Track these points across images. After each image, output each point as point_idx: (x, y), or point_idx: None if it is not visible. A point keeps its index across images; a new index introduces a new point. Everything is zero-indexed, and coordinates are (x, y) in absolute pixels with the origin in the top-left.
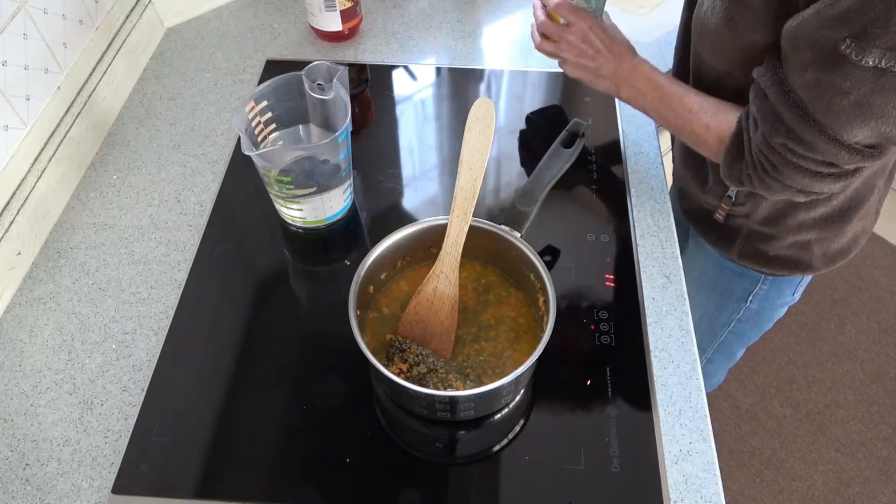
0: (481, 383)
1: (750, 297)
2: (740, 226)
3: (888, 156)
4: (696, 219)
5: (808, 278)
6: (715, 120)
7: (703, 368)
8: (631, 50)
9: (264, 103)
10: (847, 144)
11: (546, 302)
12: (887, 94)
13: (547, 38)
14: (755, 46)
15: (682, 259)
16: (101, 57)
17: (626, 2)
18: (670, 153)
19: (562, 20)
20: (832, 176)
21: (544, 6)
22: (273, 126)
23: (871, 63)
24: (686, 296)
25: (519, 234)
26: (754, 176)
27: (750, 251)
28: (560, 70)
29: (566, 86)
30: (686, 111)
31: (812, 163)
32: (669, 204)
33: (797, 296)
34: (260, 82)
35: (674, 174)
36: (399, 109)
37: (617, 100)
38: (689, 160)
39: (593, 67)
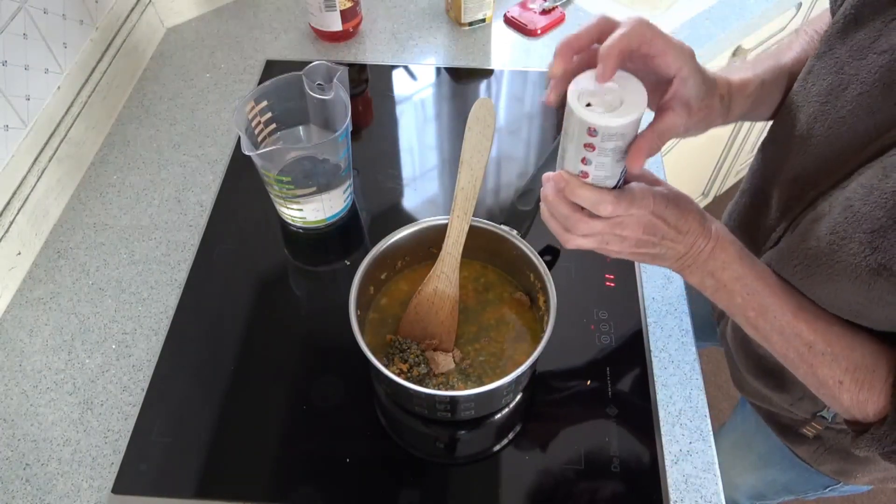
0: (481, 383)
1: (829, 489)
2: (824, 437)
3: None
4: (763, 412)
5: None
6: (852, 378)
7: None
8: (703, 220)
9: (264, 103)
10: None
11: (546, 302)
12: None
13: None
14: None
15: (740, 414)
16: (101, 57)
17: (640, 3)
18: (669, 154)
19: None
20: None
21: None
22: (273, 126)
23: None
24: (685, 296)
25: (519, 234)
26: None
27: (829, 464)
28: None
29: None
30: (802, 344)
31: None
32: None
33: None
34: (260, 82)
35: (729, 355)
36: (399, 109)
37: None
38: (758, 366)
39: (655, 254)
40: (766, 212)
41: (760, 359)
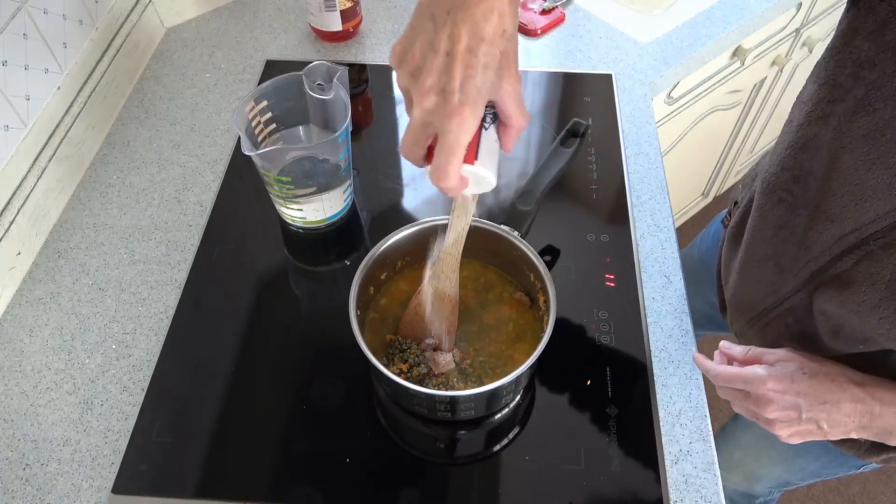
0: (482, 383)
1: (862, 467)
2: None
3: None
4: None
5: None
6: None
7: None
8: (860, 382)
9: (264, 103)
10: None
11: (546, 302)
12: None
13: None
14: None
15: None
16: (101, 57)
17: (640, 3)
18: (670, 154)
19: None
20: None
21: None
22: (273, 126)
23: None
24: (685, 296)
25: (519, 234)
26: None
27: (877, 455)
28: (560, 70)
29: (566, 85)
30: None
31: None
32: (669, 204)
33: None
34: (260, 82)
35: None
36: (399, 109)
37: (617, 99)
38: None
39: (808, 430)
40: (795, 244)
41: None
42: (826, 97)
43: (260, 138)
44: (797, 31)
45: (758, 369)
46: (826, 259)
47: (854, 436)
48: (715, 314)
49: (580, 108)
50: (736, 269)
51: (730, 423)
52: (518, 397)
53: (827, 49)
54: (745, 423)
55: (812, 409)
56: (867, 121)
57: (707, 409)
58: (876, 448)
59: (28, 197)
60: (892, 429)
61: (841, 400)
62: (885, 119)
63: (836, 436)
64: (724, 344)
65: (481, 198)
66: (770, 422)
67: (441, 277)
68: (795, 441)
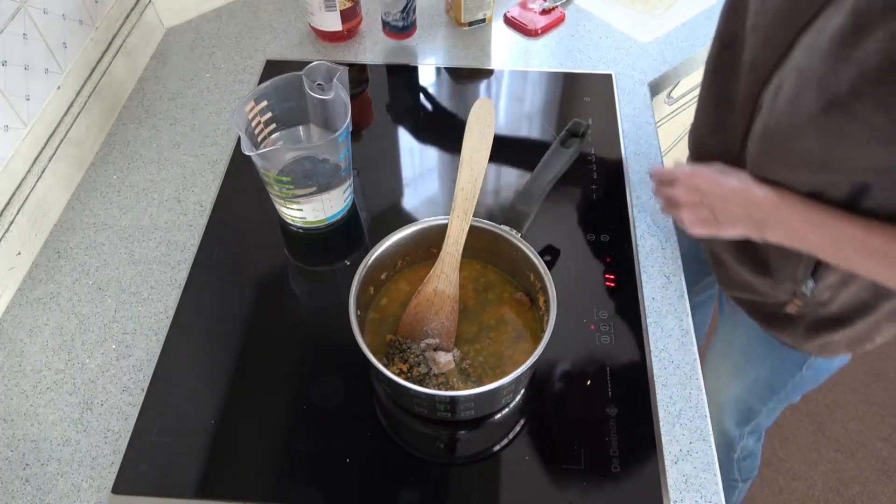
0: (482, 383)
1: (805, 366)
2: (806, 314)
3: None
4: (746, 305)
5: None
6: None
7: (758, 416)
8: (753, 178)
9: (264, 103)
10: None
11: (546, 302)
12: None
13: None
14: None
15: (720, 322)
16: (101, 57)
17: (640, 3)
18: (670, 154)
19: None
20: None
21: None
22: (273, 126)
23: None
24: (686, 296)
25: (519, 234)
26: None
27: (812, 340)
28: (560, 70)
29: (566, 85)
30: (879, 255)
31: None
32: None
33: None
34: (260, 82)
35: (716, 260)
36: (399, 109)
37: (617, 99)
38: (743, 255)
39: (706, 217)
40: (733, 108)
41: (752, 251)
42: None
43: (260, 138)
44: None
45: (687, 167)
46: (752, 107)
47: (742, 230)
48: (699, 251)
49: (580, 108)
50: (691, 154)
51: None
52: (518, 397)
53: None
54: (709, 352)
55: (712, 197)
56: None
57: (707, 410)
58: (810, 333)
59: (28, 197)
60: (767, 218)
61: (739, 186)
62: None
63: (727, 229)
64: (653, 168)
65: (481, 197)
66: (679, 206)
67: (441, 277)
68: (697, 231)
